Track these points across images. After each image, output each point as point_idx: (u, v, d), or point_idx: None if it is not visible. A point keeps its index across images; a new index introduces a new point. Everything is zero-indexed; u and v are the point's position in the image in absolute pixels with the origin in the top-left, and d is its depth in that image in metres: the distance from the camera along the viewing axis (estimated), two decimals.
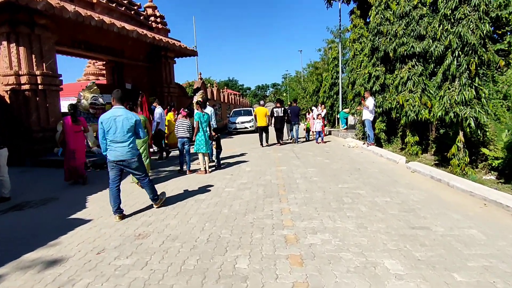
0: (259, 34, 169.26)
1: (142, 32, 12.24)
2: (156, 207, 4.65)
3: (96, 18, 10.07)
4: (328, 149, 10.81)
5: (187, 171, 7.29)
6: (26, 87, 8.79)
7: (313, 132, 14.29)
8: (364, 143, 10.90)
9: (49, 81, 9.21)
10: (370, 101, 10.21)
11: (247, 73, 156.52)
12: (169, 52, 14.90)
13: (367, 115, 10.30)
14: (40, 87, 8.98)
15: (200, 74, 19.94)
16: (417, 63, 8.72)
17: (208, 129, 7.36)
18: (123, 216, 4.25)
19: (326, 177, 6.40)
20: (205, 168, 7.17)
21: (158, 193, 4.74)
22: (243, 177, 6.62)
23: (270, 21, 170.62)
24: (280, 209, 4.37)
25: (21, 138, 8.91)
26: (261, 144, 12.12)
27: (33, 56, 8.89)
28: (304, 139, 13.96)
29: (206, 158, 7.24)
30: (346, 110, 15.61)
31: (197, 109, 7.38)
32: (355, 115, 13.91)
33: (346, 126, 16.13)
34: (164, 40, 13.46)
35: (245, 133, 19.18)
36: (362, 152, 9.78)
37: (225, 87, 39.48)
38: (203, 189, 5.68)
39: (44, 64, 9.10)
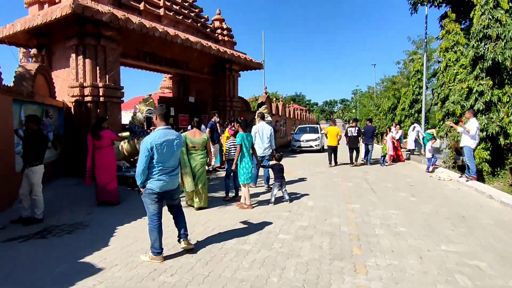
0: (329, 47, 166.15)
1: (206, 44, 11.82)
2: (186, 247, 3.72)
3: (160, 30, 9.83)
4: (411, 180, 8.78)
5: (235, 201, 6.22)
6: (89, 98, 8.75)
7: (390, 156, 12.27)
8: (461, 176, 8.62)
9: (111, 93, 9.09)
10: (472, 124, 8.01)
11: (315, 88, 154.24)
12: (233, 64, 14.35)
13: (468, 141, 8.09)
14: (101, 99, 8.89)
15: (266, 88, 19.18)
16: None
17: (252, 153, 6.24)
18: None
19: (417, 227, 4.67)
20: (250, 203, 5.92)
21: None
22: (303, 216, 5.23)
23: (341, 33, 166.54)
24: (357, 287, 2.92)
25: (81, 149, 8.87)
26: (330, 163, 11.70)
27: (98, 68, 8.86)
28: (379, 164, 11.96)
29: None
30: (432, 131, 13.14)
31: (239, 129, 6.19)
32: (445, 138, 11.48)
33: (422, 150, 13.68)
34: (228, 53, 12.91)
35: (309, 152, 17.67)
36: (459, 189, 7.61)
37: (291, 102, 38.43)
38: (250, 231, 4.46)
39: (107, 75, 9.02)
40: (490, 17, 8.57)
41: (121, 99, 9.57)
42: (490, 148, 8.78)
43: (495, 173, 8.89)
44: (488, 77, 8.74)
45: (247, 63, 14.28)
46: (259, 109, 13.77)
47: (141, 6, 10.42)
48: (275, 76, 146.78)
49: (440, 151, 12.71)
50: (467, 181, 7.99)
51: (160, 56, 11.60)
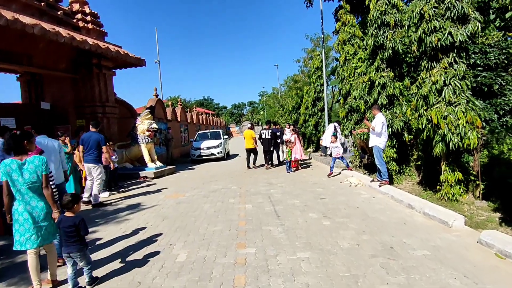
0: (234, 49, 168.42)
1: (52, 29, 8.58)
2: None
3: None
4: (322, 190, 7.37)
5: None
6: None
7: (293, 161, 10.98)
8: (372, 180, 7.57)
9: None
10: (378, 120, 7.00)
11: (223, 91, 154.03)
12: (103, 60, 11.24)
13: (376, 141, 7.05)
14: None
15: (156, 89, 16.30)
16: (458, 59, 5.58)
17: None
18: None
19: (339, 286, 2.92)
20: None
21: None
22: None
23: (245, 35, 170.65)
24: None
25: None
26: (248, 166, 12.11)
27: None
28: (286, 170, 10.54)
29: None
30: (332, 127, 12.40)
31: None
32: (349, 137, 10.71)
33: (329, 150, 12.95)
34: (91, 43, 9.82)
35: (212, 160, 15.56)
36: (374, 198, 6.41)
37: (194, 106, 36.02)
38: None
39: None
40: (387, 1, 7.78)
41: None
42: (396, 145, 8.02)
43: (401, 171, 8.19)
44: (389, 69, 7.95)
45: (121, 58, 11.33)
46: (141, 115, 11.13)
47: None
48: (181, 80, 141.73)
49: (346, 150, 12.05)
50: (380, 186, 6.91)
51: None
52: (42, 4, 9.37)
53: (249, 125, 13.49)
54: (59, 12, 10.15)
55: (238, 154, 19.16)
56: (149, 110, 11.38)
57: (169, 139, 14.25)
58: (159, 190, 8.39)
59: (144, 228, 5.14)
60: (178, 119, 20.62)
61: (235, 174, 10.63)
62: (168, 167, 11.71)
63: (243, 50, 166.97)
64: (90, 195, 6.88)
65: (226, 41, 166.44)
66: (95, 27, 11.38)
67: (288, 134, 11.40)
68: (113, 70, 12.44)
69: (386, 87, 7.84)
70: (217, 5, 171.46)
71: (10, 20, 7.29)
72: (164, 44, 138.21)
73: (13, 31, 8.02)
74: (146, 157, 11.00)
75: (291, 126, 11.95)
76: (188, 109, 33.96)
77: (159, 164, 11.35)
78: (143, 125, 10.87)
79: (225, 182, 9.05)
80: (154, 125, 11.02)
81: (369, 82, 8.47)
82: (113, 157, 8.67)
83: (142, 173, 10.63)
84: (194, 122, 26.80)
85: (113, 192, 8.49)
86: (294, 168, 10.80)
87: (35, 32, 7.95)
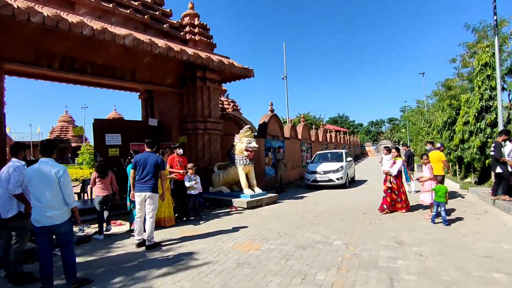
0: (374, 64, 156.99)
1: (149, 40, 8.04)
2: None
3: (73, 21, 6.32)
4: (504, 276, 3.70)
5: None
6: None
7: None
8: None
9: None
10: None
11: (359, 108, 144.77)
12: (208, 72, 10.40)
13: None
14: None
15: (271, 104, 14.82)
16: None
17: None
18: None
19: None
20: None
21: None
22: None
23: (377, 45, 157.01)
24: None
25: None
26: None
27: None
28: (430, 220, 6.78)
29: None
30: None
31: None
32: None
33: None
34: (191, 53, 9.01)
35: (329, 188, 12.73)
36: None
37: (322, 123, 33.59)
38: None
39: None
40: None
41: None
42: None
43: None
44: None
45: (225, 68, 10.18)
46: (240, 131, 9.61)
47: None
48: (315, 97, 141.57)
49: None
50: None
51: (83, 61, 8.05)
52: (146, 17, 9.10)
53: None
54: (165, 26, 9.82)
55: (366, 181, 15.55)
56: (249, 126, 9.78)
57: (278, 159, 12.32)
58: (235, 230, 6.39)
59: None
60: (299, 137, 18.67)
61: (350, 214, 7.62)
62: (269, 195, 9.69)
63: (382, 60, 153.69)
64: (139, 232, 5.47)
65: (360, 53, 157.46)
66: (202, 38, 10.73)
67: (387, 163, 7.92)
68: (221, 84, 11.58)
69: None
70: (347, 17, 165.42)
71: (96, 30, 6.86)
72: (292, 60, 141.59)
73: (113, 45, 7.82)
74: (243, 182, 9.33)
75: (404, 147, 8.47)
76: (314, 126, 31.81)
77: (257, 190, 9.48)
78: (241, 143, 9.30)
79: (329, 229, 6.25)
80: (254, 144, 9.27)
81: None
82: (191, 182, 7.26)
83: (235, 201, 8.97)
84: (320, 140, 24.36)
85: (188, 224, 7.04)
86: (405, 210, 7.31)
87: (126, 43, 7.44)
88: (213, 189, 10.05)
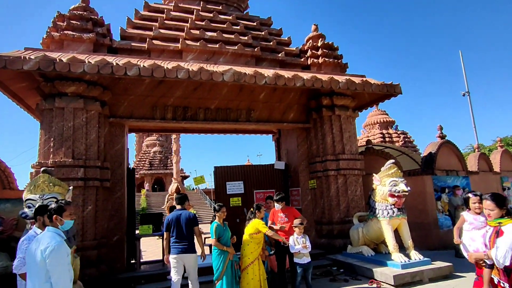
0: None
1: (254, 72, 6.97)
2: None
3: (186, 68, 6.23)
4: None
5: None
6: None
7: None
8: None
9: None
10: None
11: None
12: (336, 98, 8.29)
13: None
14: None
15: (441, 128, 10.79)
16: None
17: None
18: None
19: None
20: None
21: None
22: None
23: None
24: None
25: None
26: None
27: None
28: None
29: None
30: None
31: None
32: None
33: None
34: (310, 78, 7.29)
35: None
36: None
37: None
38: None
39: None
40: None
41: None
42: None
43: None
44: None
45: (356, 89, 7.81)
46: (381, 170, 6.91)
47: (146, 45, 7.37)
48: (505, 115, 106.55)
49: None
50: None
51: (195, 108, 7.75)
52: (256, 49, 8.20)
53: None
54: (279, 54, 8.65)
55: None
56: (393, 161, 6.75)
57: (455, 206, 8.28)
58: None
59: None
60: (495, 169, 12.96)
61: None
62: (435, 264, 6.15)
63: None
64: None
65: None
66: (327, 60, 8.89)
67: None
68: (357, 111, 9.17)
69: None
70: None
71: (192, 72, 6.31)
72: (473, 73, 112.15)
73: (221, 86, 7.27)
74: (390, 242, 6.30)
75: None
76: None
77: (414, 256, 6.17)
78: (383, 186, 6.47)
79: None
80: (402, 186, 6.19)
81: None
82: (298, 246, 5.08)
83: (377, 272, 6.02)
84: None
85: None
86: None
87: (225, 80, 6.61)
88: (351, 249, 7.36)
